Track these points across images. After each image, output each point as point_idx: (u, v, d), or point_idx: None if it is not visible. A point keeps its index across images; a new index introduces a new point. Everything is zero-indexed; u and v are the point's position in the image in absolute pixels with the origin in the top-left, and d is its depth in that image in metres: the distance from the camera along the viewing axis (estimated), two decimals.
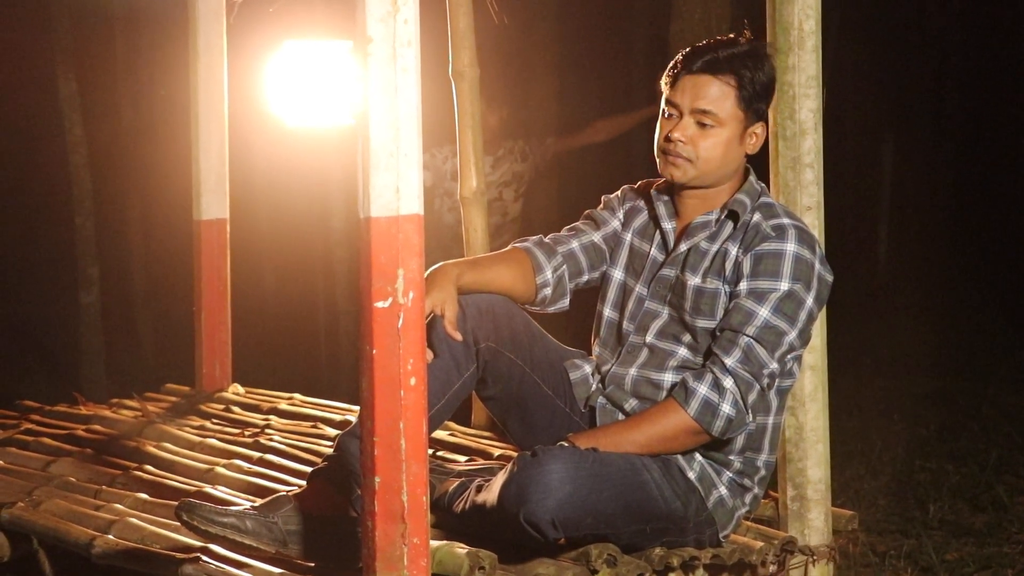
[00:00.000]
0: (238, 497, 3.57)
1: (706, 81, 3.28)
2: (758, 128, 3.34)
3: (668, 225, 3.43)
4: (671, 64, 3.35)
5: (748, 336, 3.19)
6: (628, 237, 3.51)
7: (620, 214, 3.54)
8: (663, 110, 3.34)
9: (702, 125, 3.29)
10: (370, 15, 2.60)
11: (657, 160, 3.37)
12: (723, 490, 3.31)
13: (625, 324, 3.45)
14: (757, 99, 3.31)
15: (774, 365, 3.20)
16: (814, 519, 3.59)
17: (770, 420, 3.33)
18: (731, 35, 3.37)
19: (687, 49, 3.35)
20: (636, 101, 9.41)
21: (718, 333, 3.25)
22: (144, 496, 3.63)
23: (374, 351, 2.64)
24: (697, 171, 3.32)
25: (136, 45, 9.94)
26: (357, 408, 3.82)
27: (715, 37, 3.39)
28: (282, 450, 4.06)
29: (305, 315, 9.61)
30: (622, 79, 10.12)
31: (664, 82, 3.35)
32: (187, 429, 4.43)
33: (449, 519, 3.25)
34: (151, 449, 4.12)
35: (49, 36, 8.13)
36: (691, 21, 5.92)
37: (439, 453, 3.94)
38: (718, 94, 3.28)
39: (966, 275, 11.96)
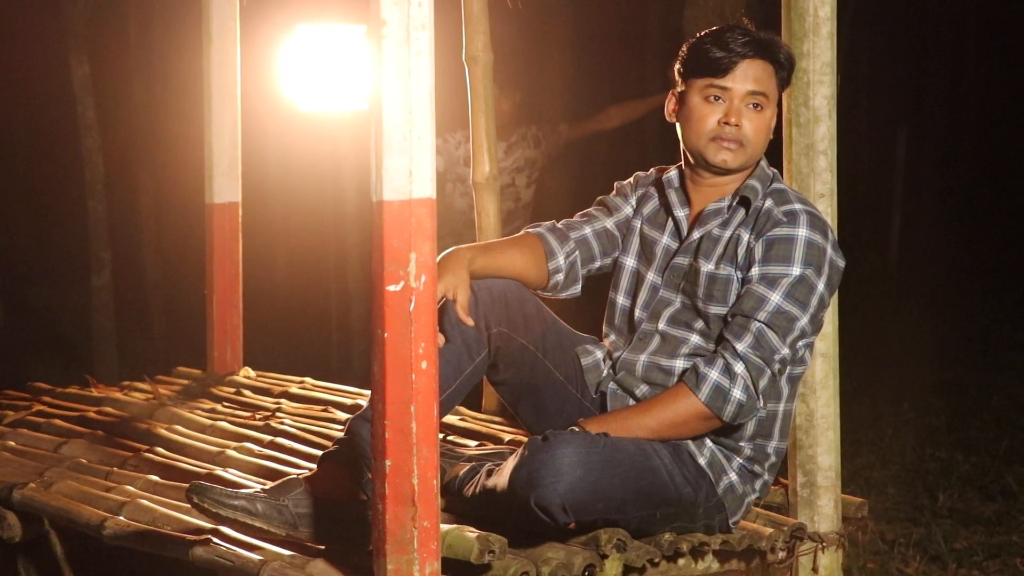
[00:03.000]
0: (249, 480, 3.58)
1: (760, 64, 3.28)
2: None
3: (681, 213, 3.42)
4: (701, 51, 3.29)
5: (759, 321, 3.19)
6: (638, 224, 3.50)
7: (632, 200, 3.53)
8: (705, 96, 3.29)
9: (753, 107, 3.29)
10: None
11: (705, 148, 3.31)
12: (733, 476, 3.31)
13: (638, 312, 3.44)
14: (788, 80, 3.36)
15: (785, 350, 3.20)
16: (824, 506, 3.58)
17: (781, 407, 3.33)
18: (722, 25, 3.35)
19: (712, 36, 3.30)
20: (649, 87, 9.39)
21: (729, 319, 3.25)
22: (155, 478, 3.64)
23: (386, 335, 2.64)
24: (746, 154, 3.31)
25: (149, 28, 9.95)
26: (368, 392, 3.82)
27: (712, 27, 3.36)
28: (293, 433, 4.07)
29: (317, 299, 9.61)
30: (635, 65, 10.10)
31: (699, 69, 3.29)
32: (198, 412, 4.44)
33: (459, 503, 3.25)
34: (162, 431, 4.13)
35: (61, 19, 8.12)
36: (705, 7, 5.90)
37: (449, 438, 3.94)
38: (767, 75, 3.30)
39: (978, 264, 11.94)
